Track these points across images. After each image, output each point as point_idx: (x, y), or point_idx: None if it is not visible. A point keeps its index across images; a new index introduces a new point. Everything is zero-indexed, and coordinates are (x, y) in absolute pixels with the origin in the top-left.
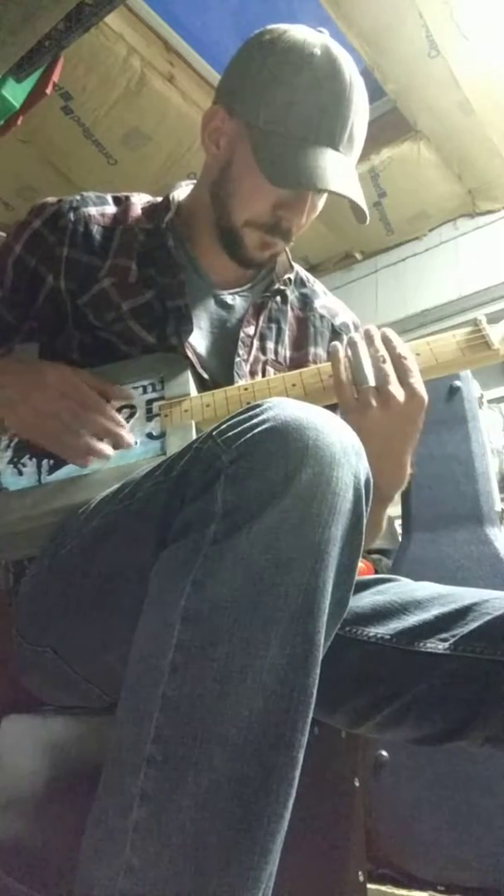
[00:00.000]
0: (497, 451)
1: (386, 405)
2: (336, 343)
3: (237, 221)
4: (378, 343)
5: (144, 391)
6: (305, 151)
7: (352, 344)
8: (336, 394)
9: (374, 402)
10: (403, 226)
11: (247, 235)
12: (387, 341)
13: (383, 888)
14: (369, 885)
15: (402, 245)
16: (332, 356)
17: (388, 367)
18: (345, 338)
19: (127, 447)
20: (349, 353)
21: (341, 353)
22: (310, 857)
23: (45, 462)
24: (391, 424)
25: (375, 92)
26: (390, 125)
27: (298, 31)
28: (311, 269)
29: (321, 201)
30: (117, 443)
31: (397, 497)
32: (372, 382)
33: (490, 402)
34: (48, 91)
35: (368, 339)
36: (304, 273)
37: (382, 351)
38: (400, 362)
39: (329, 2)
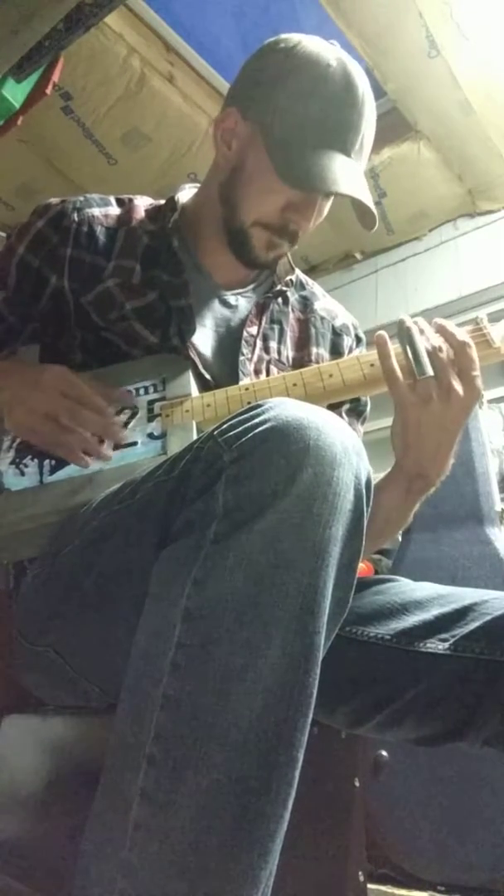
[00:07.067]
0: (497, 451)
1: (447, 398)
2: (381, 333)
3: (246, 221)
4: (429, 332)
5: (146, 392)
6: (320, 155)
7: (406, 331)
8: (389, 386)
9: (434, 395)
10: (403, 226)
11: (254, 235)
12: (442, 330)
13: (383, 888)
14: (369, 885)
15: (403, 245)
16: (378, 346)
17: (446, 358)
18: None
19: (123, 441)
20: (406, 342)
21: (389, 346)
22: (310, 857)
23: (46, 462)
24: (451, 417)
25: (375, 92)
26: (390, 125)
27: (312, 42)
28: (312, 269)
29: (327, 207)
30: (116, 442)
31: None
32: (430, 372)
33: (490, 402)
34: (48, 91)
35: (418, 328)
36: (303, 276)
37: (434, 340)
38: (464, 351)
39: (329, 2)
